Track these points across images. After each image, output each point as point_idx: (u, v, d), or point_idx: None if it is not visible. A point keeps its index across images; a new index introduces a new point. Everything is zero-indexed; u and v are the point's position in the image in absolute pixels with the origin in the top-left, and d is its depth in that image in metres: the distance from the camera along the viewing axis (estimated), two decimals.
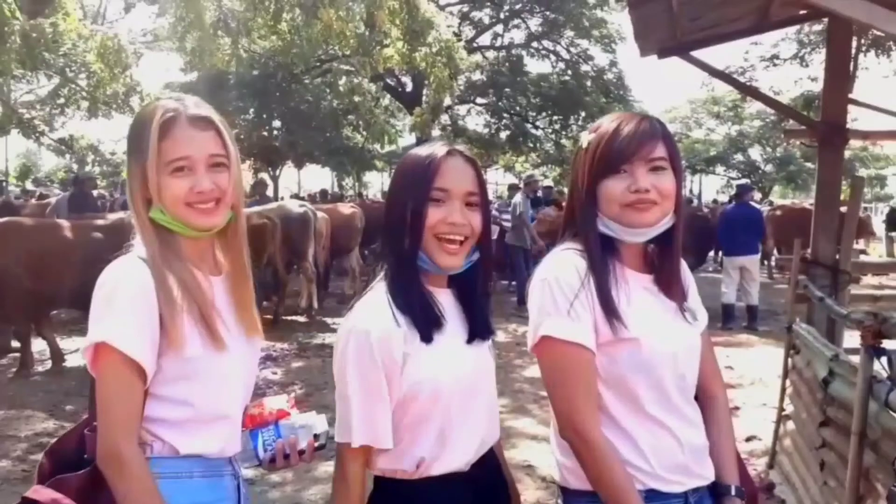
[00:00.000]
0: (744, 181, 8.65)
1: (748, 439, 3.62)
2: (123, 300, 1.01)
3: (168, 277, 1.03)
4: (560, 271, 1.08)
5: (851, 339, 3.52)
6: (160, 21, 11.02)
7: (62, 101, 10.41)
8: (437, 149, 1.09)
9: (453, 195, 1.06)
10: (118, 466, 0.98)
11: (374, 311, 1.05)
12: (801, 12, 2.90)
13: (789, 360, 3.05)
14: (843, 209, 3.19)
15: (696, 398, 1.17)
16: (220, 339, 1.06)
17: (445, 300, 1.11)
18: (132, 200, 1.07)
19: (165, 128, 1.03)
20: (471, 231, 1.07)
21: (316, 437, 1.16)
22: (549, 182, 13.30)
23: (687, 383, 1.13)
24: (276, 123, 15.37)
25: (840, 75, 2.95)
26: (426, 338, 1.04)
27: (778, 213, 9.94)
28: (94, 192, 9.76)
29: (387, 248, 1.11)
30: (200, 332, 1.05)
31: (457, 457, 1.08)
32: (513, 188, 9.66)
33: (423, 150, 1.11)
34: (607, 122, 1.12)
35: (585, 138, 1.14)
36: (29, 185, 21.15)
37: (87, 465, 1.03)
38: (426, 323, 1.05)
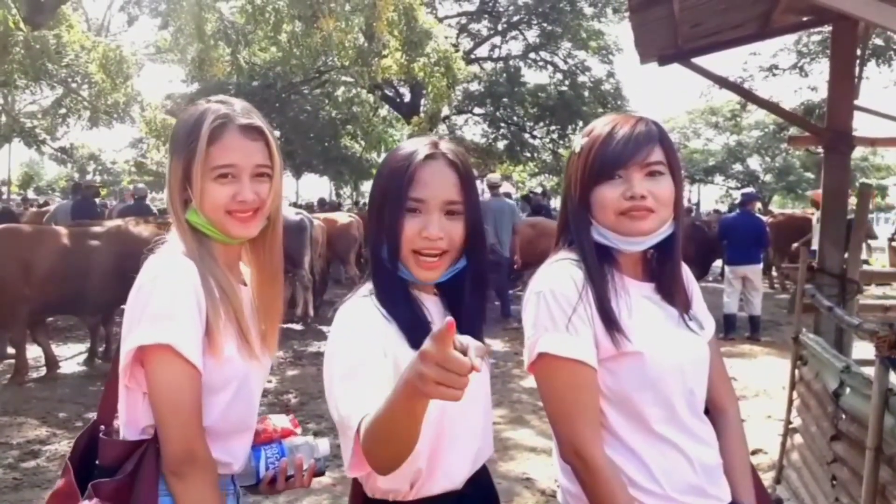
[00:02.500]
0: (748, 190, 8.57)
1: (753, 453, 3.54)
2: (182, 300, 0.97)
3: (210, 280, 1.01)
4: (556, 283, 1.02)
5: (859, 349, 3.47)
6: (162, 33, 11.09)
7: (64, 110, 10.49)
8: (418, 150, 0.99)
9: (430, 206, 0.97)
10: (195, 470, 0.96)
11: (359, 310, 0.98)
12: (804, 19, 2.87)
13: (796, 371, 2.98)
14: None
15: (706, 411, 1.11)
16: (253, 350, 1.05)
17: (433, 307, 1.04)
18: (171, 200, 1.05)
19: (216, 133, 1.01)
20: (449, 244, 0.98)
21: (317, 460, 1.12)
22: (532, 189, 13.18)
23: (696, 398, 1.06)
24: (276, 133, 15.39)
25: (845, 81, 2.92)
26: (415, 343, 0.94)
27: (779, 219, 9.94)
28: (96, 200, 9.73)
29: (370, 257, 1.04)
30: (237, 341, 1.03)
31: (451, 473, 1.01)
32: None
33: (403, 151, 1.01)
34: (601, 125, 1.06)
35: (578, 142, 1.08)
36: (31, 194, 21.21)
37: (102, 472, 1.00)
38: (415, 327, 0.97)
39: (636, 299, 1.04)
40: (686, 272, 1.13)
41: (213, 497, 0.98)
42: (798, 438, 2.90)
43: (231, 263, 1.10)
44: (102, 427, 1.06)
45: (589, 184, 1.04)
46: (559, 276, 1.03)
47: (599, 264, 1.03)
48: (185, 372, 0.96)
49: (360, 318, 0.97)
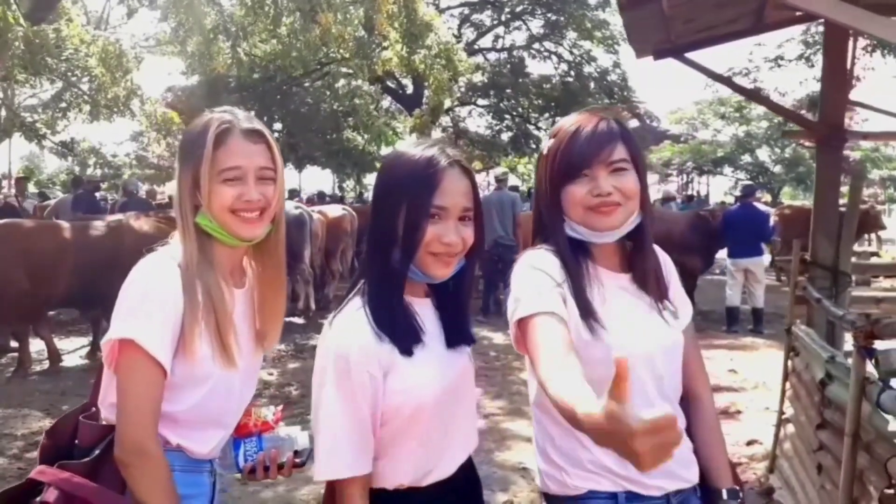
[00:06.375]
0: (748, 182, 8.56)
1: (749, 443, 3.59)
2: (155, 301, 1.03)
3: (197, 285, 1.06)
4: (537, 262, 1.07)
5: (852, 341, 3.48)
6: (162, 26, 11.14)
7: (64, 104, 10.54)
8: (437, 157, 1.02)
9: (450, 213, 1.02)
10: (143, 462, 1.01)
11: (353, 329, 1.01)
12: (798, 13, 2.88)
13: (789, 362, 3.02)
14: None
15: (682, 399, 1.15)
16: (232, 358, 1.09)
17: (424, 310, 1.09)
18: (181, 204, 1.10)
19: (221, 138, 1.08)
20: (462, 247, 1.04)
21: (297, 453, 1.17)
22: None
23: (665, 384, 1.11)
24: (277, 126, 15.45)
25: (838, 76, 2.93)
26: (406, 352, 1.01)
27: (785, 212, 9.91)
28: (97, 195, 9.80)
29: (373, 256, 1.06)
30: (214, 346, 1.08)
31: (451, 463, 1.08)
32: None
33: (419, 155, 1.03)
34: (567, 126, 1.11)
35: (545, 143, 1.13)
36: (31, 188, 21.36)
37: (80, 452, 1.06)
38: (406, 338, 1.02)
39: (611, 290, 1.09)
40: (665, 260, 1.18)
41: (161, 489, 1.02)
42: (791, 428, 2.95)
43: (234, 266, 1.16)
44: (93, 408, 1.13)
45: (558, 183, 1.09)
46: (541, 257, 1.08)
47: (574, 256, 1.08)
48: (147, 367, 1.01)
49: (351, 345, 0.99)
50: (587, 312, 1.04)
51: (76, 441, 1.09)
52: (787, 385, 3.05)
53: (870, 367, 1.74)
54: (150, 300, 1.03)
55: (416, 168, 1.02)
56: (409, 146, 1.08)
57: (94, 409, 1.13)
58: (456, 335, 1.10)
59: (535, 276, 1.05)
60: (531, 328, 0.99)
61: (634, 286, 1.12)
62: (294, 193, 12.49)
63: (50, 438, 1.12)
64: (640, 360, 1.06)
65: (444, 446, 1.06)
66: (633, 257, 1.14)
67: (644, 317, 1.10)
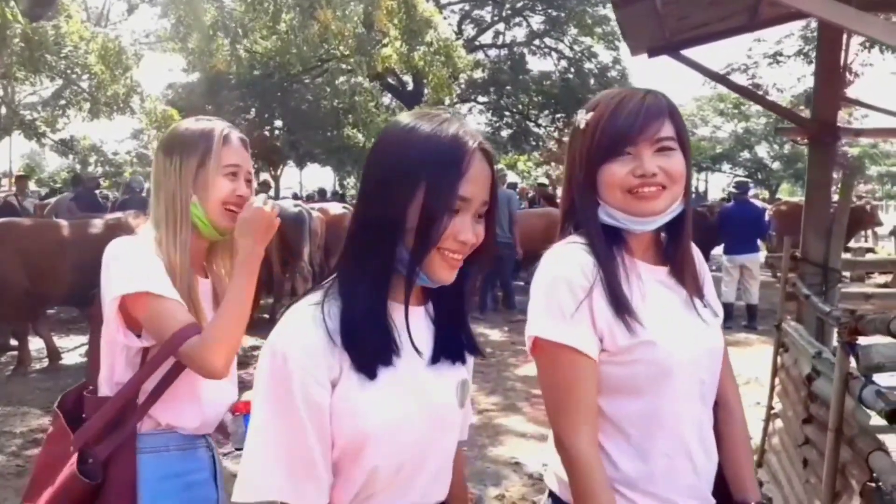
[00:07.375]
0: (742, 179, 8.57)
1: None
2: (151, 262, 1.12)
3: (179, 267, 1.16)
4: (562, 269, 0.96)
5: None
6: (162, 22, 11.15)
7: (64, 102, 10.56)
8: (463, 136, 0.81)
9: (471, 206, 0.83)
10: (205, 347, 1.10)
11: (300, 325, 0.81)
12: (793, 10, 2.89)
13: (778, 358, 3.06)
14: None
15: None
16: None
17: (416, 322, 0.87)
18: (180, 191, 1.18)
19: (226, 138, 1.21)
20: (473, 245, 0.86)
21: None
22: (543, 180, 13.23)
23: (706, 388, 1.02)
24: (278, 123, 15.44)
25: (831, 73, 2.94)
26: (364, 370, 0.80)
27: (783, 208, 9.93)
28: (97, 192, 9.78)
29: (361, 249, 0.83)
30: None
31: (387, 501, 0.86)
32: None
33: (443, 133, 0.81)
34: (607, 99, 0.98)
35: (582, 117, 0.99)
36: (32, 186, 21.41)
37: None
38: (370, 354, 0.81)
39: (650, 284, 0.99)
40: (698, 256, 1.08)
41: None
42: (779, 423, 2.98)
43: (197, 257, 1.25)
44: (91, 387, 1.20)
45: (595, 161, 0.97)
46: (567, 261, 0.96)
47: (608, 247, 0.97)
48: (170, 305, 1.10)
49: (292, 345, 0.79)
50: (624, 310, 0.94)
51: (83, 415, 1.17)
52: (776, 380, 3.08)
53: (853, 363, 1.77)
54: (145, 262, 1.12)
55: (439, 147, 0.80)
56: (419, 119, 0.84)
57: (91, 387, 1.19)
58: (447, 351, 0.89)
59: (559, 290, 0.94)
60: (552, 358, 0.94)
61: (673, 280, 1.02)
62: None
63: (62, 412, 1.20)
64: (686, 365, 0.96)
65: (389, 491, 0.84)
66: (670, 249, 1.03)
67: (685, 315, 1.01)
